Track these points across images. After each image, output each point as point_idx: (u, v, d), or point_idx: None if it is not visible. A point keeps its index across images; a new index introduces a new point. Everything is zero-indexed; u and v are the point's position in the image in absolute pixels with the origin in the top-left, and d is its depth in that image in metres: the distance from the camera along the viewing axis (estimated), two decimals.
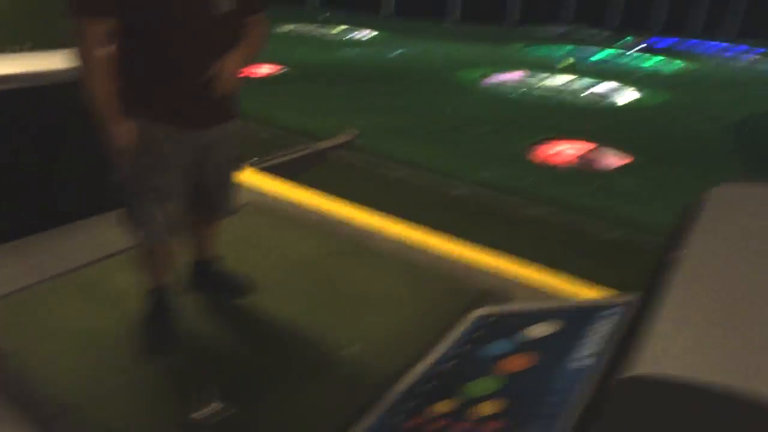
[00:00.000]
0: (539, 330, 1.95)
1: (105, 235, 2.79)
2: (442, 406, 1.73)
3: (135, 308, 2.20)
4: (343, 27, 14.03)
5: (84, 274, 2.54)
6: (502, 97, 8.29)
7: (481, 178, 4.66)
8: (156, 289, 2.15)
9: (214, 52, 1.80)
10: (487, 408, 1.61)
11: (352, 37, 13.17)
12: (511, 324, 2.11)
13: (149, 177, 1.85)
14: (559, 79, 9.71)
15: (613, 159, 5.47)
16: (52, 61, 2.85)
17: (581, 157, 5.53)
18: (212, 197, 2.09)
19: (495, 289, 2.62)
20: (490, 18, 18.02)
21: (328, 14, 15.83)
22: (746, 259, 1.21)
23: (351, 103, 7.13)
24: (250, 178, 3.68)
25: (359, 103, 7.13)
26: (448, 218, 3.76)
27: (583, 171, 5.23)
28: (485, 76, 9.57)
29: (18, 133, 2.80)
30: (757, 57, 15.22)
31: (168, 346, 2.09)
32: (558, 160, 5.46)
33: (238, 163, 2.16)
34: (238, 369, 2.03)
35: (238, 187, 2.18)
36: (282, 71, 8.42)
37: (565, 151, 5.71)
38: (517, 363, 1.80)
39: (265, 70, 8.35)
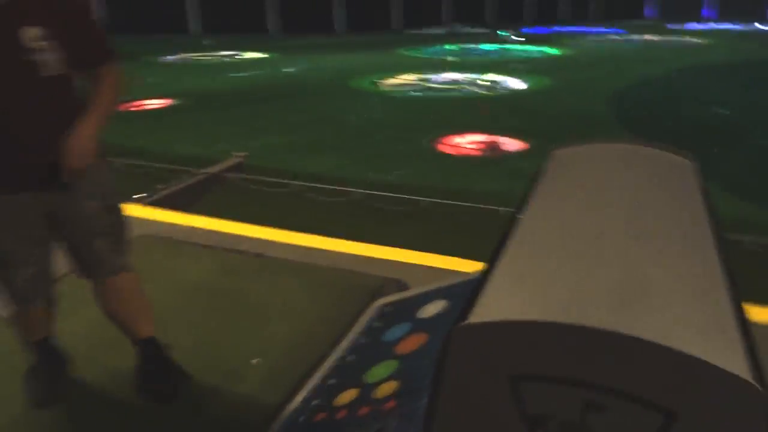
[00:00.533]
0: (429, 310, 2.06)
1: None
2: (346, 396, 1.79)
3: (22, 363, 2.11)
4: (229, 51, 13.90)
5: None
6: (399, 100, 8.52)
7: (388, 180, 4.78)
8: (35, 343, 2.02)
9: (44, 116, 1.64)
10: (384, 390, 1.69)
11: (240, 60, 13.08)
12: (406, 309, 2.21)
13: None
14: (449, 76, 10.10)
15: (512, 145, 5.79)
16: None
17: (482, 148, 5.83)
18: (89, 254, 1.86)
19: (393, 280, 2.72)
20: (376, 26, 18.53)
21: (210, 41, 15.59)
22: (574, 209, 1.36)
23: (245, 126, 7.05)
24: (141, 212, 3.59)
25: (254, 125, 7.06)
26: (346, 222, 3.86)
27: (485, 159, 5.49)
28: (379, 81, 9.80)
29: None
30: (619, 37, 16.62)
31: (52, 397, 1.99)
32: (462, 152, 5.73)
33: (109, 214, 1.87)
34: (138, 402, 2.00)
35: (121, 238, 1.92)
36: (171, 104, 8.21)
37: (466, 143, 6.00)
38: (410, 344, 1.89)
39: (154, 103, 8.11)
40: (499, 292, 1.09)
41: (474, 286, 1.16)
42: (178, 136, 6.49)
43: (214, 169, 4.90)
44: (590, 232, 1.28)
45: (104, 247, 1.85)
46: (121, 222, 1.93)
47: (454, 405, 1.02)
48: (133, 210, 2.90)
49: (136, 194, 4.08)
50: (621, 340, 0.90)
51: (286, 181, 4.58)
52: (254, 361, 2.17)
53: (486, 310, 1.02)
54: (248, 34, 16.77)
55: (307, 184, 4.60)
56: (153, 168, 5.02)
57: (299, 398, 1.95)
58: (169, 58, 12.91)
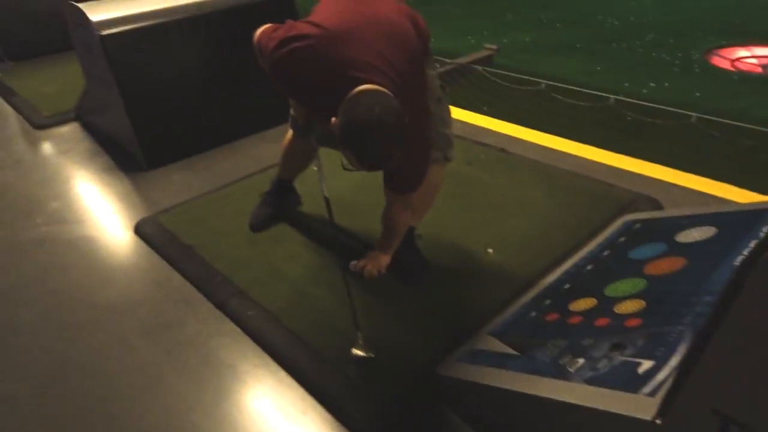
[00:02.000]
0: (692, 235, 1.85)
1: (265, 150, 3.08)
2: (583, 304, 1.73)
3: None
4: None
5: (245, 184, 2.84)
6: (669, 1, 7.42)
7: (643, 92, 4.29)
8: (280, 180, 2.43)
9: None
10: (627, 306, 1.59)
11: None
12: (660, 229, 2.02)
13: None
14: None
15: None
16: None
17: (766, 66, 4.83)
18: None
19: (644, 197, 2.49)
20: None
21: None
22: None
23: (494, 20, 6.79)
24: None
25: (504, 20, 6.78)
26: (594, 129, 3.58)
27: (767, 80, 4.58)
28: None
29: (206, 53, 3.14)
30: None
31: (261, 224, 2.43)
32: (737, 68, 4.82)
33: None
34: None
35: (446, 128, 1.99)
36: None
37: (747, 58, 5.01)
38: (664, 266, 1.73)
39: None
40: None
41: (761, 220, 0.98)
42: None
43: (464, 59, 4.87)
44: None
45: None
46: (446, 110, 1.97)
47: (742, 330, 0.91)
48: None
49: None
50: None
51: (534, 79, 4.37)
52: (490, 251, 2.21)
53: None
54: None
55: (557, 84, 4.34)
56: None
57: (531, 294, 1.95)
58: None
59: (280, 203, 2.48)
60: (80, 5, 2.94)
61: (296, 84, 1.63)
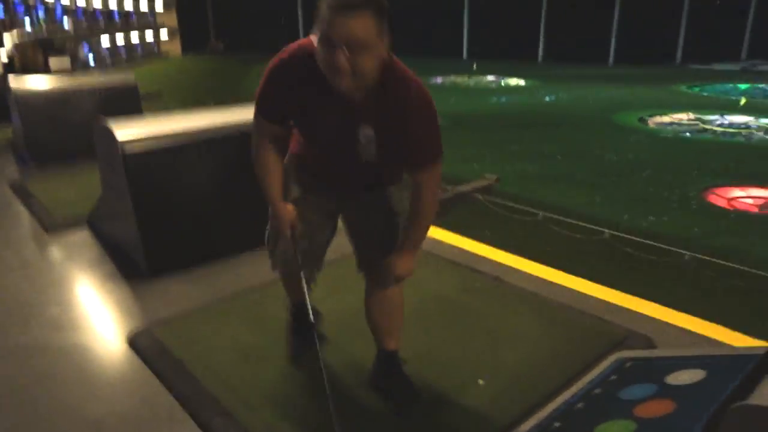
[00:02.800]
0: (681, 377, 1.84)
1: (266, 266, 3.14)
2: None
3: (282, 328, 2.46)
4: (493, 76, 14.23)
5: (244, 298, 2.88)
6: (667, 140, 7.76)
7: (641, 225, 4.41)
8: (294, 305, 2.40)
9: (360, 174, 1.90)
10: None
11: (503, 85, 13.28)
12: (651, 369, 2.01)
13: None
14: (734, 119, 8.89)
15: None
16: (235, 116, 3.35)
17: (762, 206, 4.99)
18: (369, 261, 2.05)
19: (638, 335, 2.49)
20: (654, 59, 17.06)
21: (476, 64, 16.16)
22: None
23: (498, 149, 7.13)
24: None
25: (507, 150, 7.12)
26: (594, 263, 3.65)
27: (764, 220, 4.71)
28: (647, 118, 9.08)
29: (217, 172, 3.31)
30: None
31: (304, 352, 2.34)
32: (735, 207, 4.97)
33: (386, 235, 1.98)
34: (371, 392, 2.16)
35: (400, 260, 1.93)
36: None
37: (743, 198, 5.19)
38: (653, 409, 1.71)
39: None
40: None
41: (750, 365, 1.01)
42: None
43: (465, 187, 5.07)
44: None
45: (379, 258, 1.95)
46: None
47: None
48: None
49: None
50: None
51: (533, 210, 4.53)
52: (481, 382, 2.19)
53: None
54: (515, 61, 16.97)
55: (555, 216, 4.48)
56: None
57: (521, 430, 1.91)
58: (439, 80, 13.72)
59: (304, 325, 2.31)
60: (109, 122, 3.16)
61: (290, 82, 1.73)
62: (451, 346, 2.44)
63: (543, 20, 18.36)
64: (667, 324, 2.64)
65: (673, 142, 7.68)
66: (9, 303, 2.96)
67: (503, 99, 11.25)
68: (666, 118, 9.04)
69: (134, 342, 2.54)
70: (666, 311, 2.76)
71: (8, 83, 5.73)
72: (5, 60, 12.72)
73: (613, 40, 17.76)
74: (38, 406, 2.17)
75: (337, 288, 2.73)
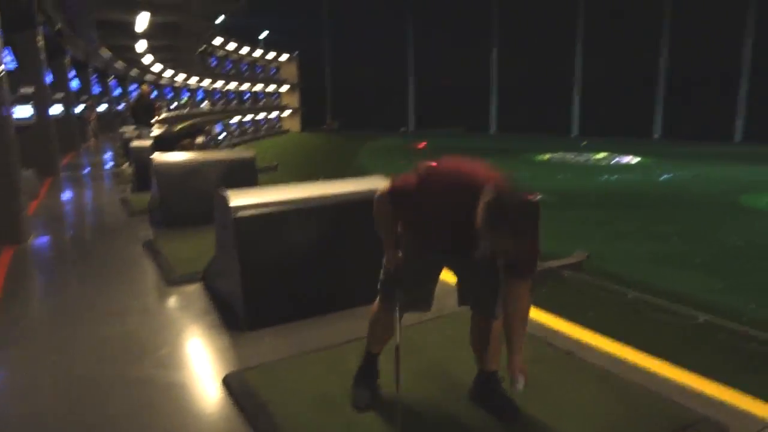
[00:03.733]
0: None
1: (354, 324, 3.41)
2: None
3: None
4: (604, 153, 14.02)
5: (330, 352, 3.14)
6: None
7: (759, 317, 4.15)
8: (369, 354, 2.67)
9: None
10: None
11: (615, 162, 13.04)
12: None
13: (407, 262, 2.47)
14: None
15: None
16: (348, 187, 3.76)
17: None
18: (478, 299, 2.52)
19: (711, 421, 2.43)
20: None
21: (586, 142, 16.01)
22: None
23: (604, 228, 7.01)
24: None
25: (613, 229, 6.97)
26: (682, 348, 3.53)
27: None
28: None
29: (313, 238, 3.71)
30: None
31: (365, 401, 2.58)
32: None
33: (493, 273, 2.38)
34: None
35: (499, 293, 2.39)
36: (538, 198, 8.69)
37: None
38: None
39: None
40: None
41: None
42: None
43: (553, 263, 5.11)
44: None
45: (486, 292, 2.45)
46: (500, 281, 2.39)
47: None
48: None
49: None
50: None
51: (622, 289, 4.46)
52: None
53: None
54: (630, 138, 16.58)
55: (646, 297, 4.38)
56: None
57: None
58: (546, 156, 13.74)
59: (372, 378, 2.68)
60: (225, 192, 3.67)
61: (430, 195, 2.24)
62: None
63: (662, 95, 17.93)
64: (745, 413, 2.54)
65: None
66: (127, 342, 3.43)
67: (615, 176, 11.04)
68: None
69: (227, 383, 2.86)
70: (746, 399, 2.64)
71: (149, 156, 6.67)
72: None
73: (741, 117, 16.91)
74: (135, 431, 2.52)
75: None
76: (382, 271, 2.56)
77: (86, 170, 12.77)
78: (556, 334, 3.32)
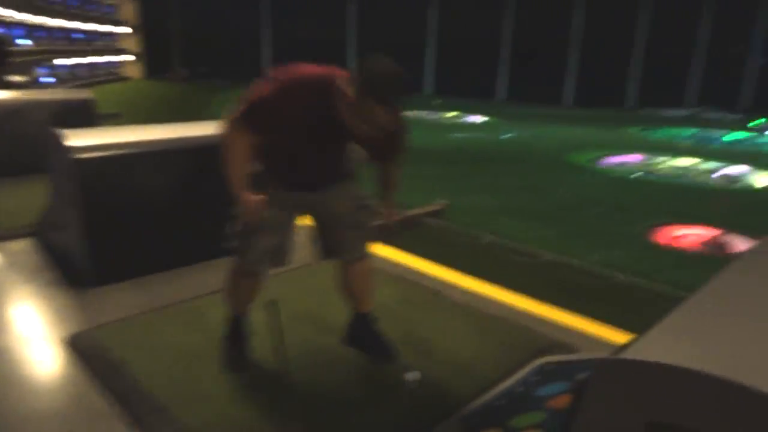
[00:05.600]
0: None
1: (212, 277, 3.20)
2: None
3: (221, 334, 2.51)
4: (455, 113, 14.61)
5: (187, 306, 2.92)
6: (618, 180, 8.06)
7: (592, 258, 4.55)
8: (234, 318, 2.45)
9: (329, 168, 2.30)
10: None
11: (464, 121, 13.65)
12: (567, 370, 2.15)
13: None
14: (682, 162, 9.32)
15: (744, 246, 5.08)
16: (203, 130, 3.43)
17: (706, 243, 5.24)
18: (340, 242, 2.37)
19: (562, 344, 2.64)
20: (607, 102, 17.80)
21: (440, 101, 16.57)
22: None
23: (453, 183, 7.27)
24: None
25: (462, 184, 7.26)
26: (530, 284, 3.80)
27: (708, 257, 4.93)
28: (600, 157, 9.43)
29: (168, 184, 3.36)
30: None
31: (240, 365, 2.40)
32: (680, 245, 5.21)
33: (357, 212, 2.36)
34: (309, 387, 2.23)
35: (365, 232, 2.40)
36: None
37: (688, 236, 5.45)
38: (562, 401, 1.84)
39: None
40: (656, 339, 1.06)
41: None
42: None
43: (414, 211, 5.23)
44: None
45: (353, 237, 2.37)
46: (366, 220, 2.39)
47: None
48: None
49: None
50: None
51: (478, 233, 4.70)
52: (408, 377, 2.29)
53: (637, 352, 1.01)
54: (476, 99, 17.49)
55: (500, 240, 4.66)
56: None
57: (445, 423, 2.01)
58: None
59: (243, 341, 2.46)
60: (60, 132, 3.20)
61: (290, 101, 2.01)
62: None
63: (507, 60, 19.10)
64: (592, 337, 2.80)
65: (622, 182, 7.99)
66: None
67: (463, 135, 11.57)
68: (619, 158, 9.43)
69: (73, 342, 2.55)
70: (592, 323, 2.92)
71: None
72: None
73: (571, 84, 18.57)
74: None
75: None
76: (233, 223, 2.25)
77: None
78: (423, 276, 3.40)
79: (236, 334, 2.45)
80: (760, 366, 0.95)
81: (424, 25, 21.00)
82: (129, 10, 20.43)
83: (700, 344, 1.03)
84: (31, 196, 4.53)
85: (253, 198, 2.11)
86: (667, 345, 1.03)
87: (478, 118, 13.89)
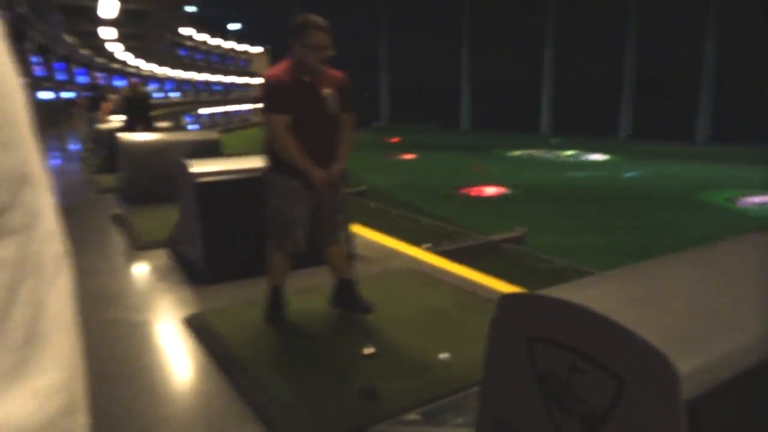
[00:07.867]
0: None
1: (292, 282, 3.83)
2: None
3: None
4: (573, 151, 14.32)
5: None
6: (759, 220, 7.49)
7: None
8: (275, 287, 3.17)
9: (328, 137, 3.01)
10: None
11: (584, 159, 13.29)
12: None
13: (290, 211, 2.98)
14: None
15: None
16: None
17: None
18: (330, 225, 3.11)
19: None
20: (743, 138, 16.26)
21: (558, 139, 16.28)
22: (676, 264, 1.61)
23: (568, 222, 7.12)
24: (420, 255, 4.50)
25: (572, 223, 7.10)
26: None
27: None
28: (739, 197, 8.81)
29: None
30: None
31: (278, 320, 3.17)
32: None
33: (343, 211, 3.13)
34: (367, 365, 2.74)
35: (346, 227, 3.18)
36: (505, 193, 8.88)
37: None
38: None
39: (490, 190, 8.99)
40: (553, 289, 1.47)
41: None
42: (498, 223, 6.63)
43: (494, 237, 5.60)
44: (670, 280, 1.53)
45: (340, 220, 3.14)
46: (347, 215, 3.18)
47: (497, 361, 1.45)
48: (415, 252, 4.10)
49: (425, 244, 5.02)
50: (601, 321, 1.23)
51: (552, 258, 4.97)
52: (441, 356, 2.70)
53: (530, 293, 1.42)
54: (598, 136, 16.74)
55: (573, 265, 4.89)
56: (447, 230, 5.98)
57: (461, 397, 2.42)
58: (516, 153, 14.00)
59: (281, 305, 3.20)
60: (185, 161, 4.05)
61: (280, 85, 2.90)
62: (425, 339, 2.96)
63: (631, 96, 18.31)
64: None
65: (763, 222, 7.30)
66: (99, 293, 3.80)
67: (581, 173, 11.19)
68: (758, 198, 8.64)
69: (189, 321, 3.27)
70: None
71: (117, 138, 6.97)
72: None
73: (704, 118, 17.34)
74: (115, 353, 2.92)
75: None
76: (276, 217, 3.02)
77: (54, 153, 12.91)
78: (476, 285, 3.80)
79: (275, 298, 3.16)
80: (619, 300, 1.34)
81: (541, 63, 20.90)
82: (261, 63, 22.71)
83: (580, 289, 1.43)
84: (166, 218, 5.52)
85: (321, 171, 2.90)
86: (558, 290, 1.44)
87: (598, 157, 13.47)
